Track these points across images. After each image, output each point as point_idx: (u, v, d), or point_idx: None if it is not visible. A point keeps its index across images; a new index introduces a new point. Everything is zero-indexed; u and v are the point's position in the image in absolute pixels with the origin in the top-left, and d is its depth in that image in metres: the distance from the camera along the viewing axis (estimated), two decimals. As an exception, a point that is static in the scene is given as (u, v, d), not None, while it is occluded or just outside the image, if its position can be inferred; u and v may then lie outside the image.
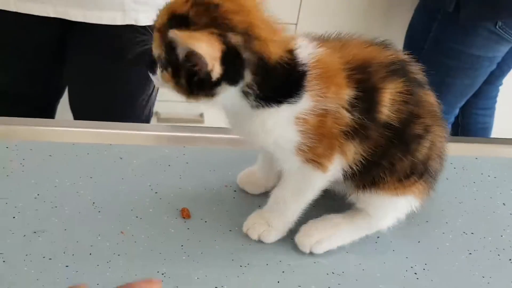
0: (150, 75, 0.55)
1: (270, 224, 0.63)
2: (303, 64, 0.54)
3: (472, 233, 0.68)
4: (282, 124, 0.55)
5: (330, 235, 0.63)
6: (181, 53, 0.51)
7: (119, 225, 0.63)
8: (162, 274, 0.58)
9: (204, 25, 0.50)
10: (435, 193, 0.72)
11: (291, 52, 0.53)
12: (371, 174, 0.59)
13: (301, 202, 0.62)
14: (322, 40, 0.57)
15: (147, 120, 1.17)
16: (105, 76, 1.03)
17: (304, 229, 0.63)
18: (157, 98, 1.97)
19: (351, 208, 0.65)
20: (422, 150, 0.60)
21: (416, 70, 0.59)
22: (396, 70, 0.57)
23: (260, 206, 0.65)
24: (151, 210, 0.66)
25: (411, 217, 0.68)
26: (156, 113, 2.06)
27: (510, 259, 0.65)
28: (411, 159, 0.59)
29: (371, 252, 0.64)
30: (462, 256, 0.65)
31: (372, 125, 0.56)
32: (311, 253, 0.62)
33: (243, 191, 0.70)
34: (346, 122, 0.55)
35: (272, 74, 0.52)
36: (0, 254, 0.58)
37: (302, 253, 0.63)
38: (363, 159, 0.57)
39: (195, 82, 0.52)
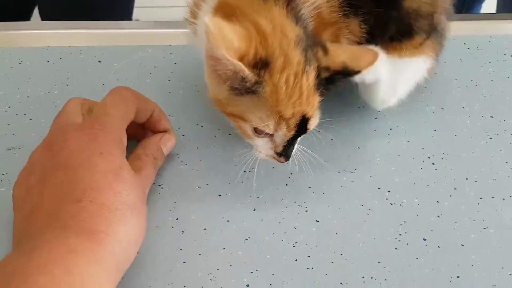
0: None
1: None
2: None
3: (491, 116, 0.62)
4: None
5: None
6: None
7: (105, 135, 0.57)
8: (159, 185, 0.53)
9: None
10: (449, 76, 0.66)
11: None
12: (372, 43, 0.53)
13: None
14: None
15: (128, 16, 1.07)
16: None
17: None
18: (136, 3, 1.84)
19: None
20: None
21: None
22: None
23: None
24: (139, 116, 0.59)
25: (425, 105, 0.63)
26: (137, 20, 1.95)
27: (533, 142, 0.60)
28: (404, 11, 0.53)
29: (383, 145, 0.59)
30: (482, 141, 0.60)
31: None
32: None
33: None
34: (337, 4, 0.49)
35: None
36: (-27, 179, 0.52)
37: (309, 152, 0.57)
38: (366, 33, 0.52)
39: None
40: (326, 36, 0.51)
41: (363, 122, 0.61)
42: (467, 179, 0.56)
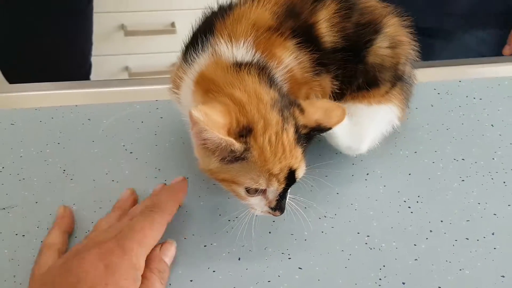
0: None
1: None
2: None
3: (463, 159, 0.66)
4: None
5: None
6: None
7: (95, 191, 0.59)
8: (147, 237, 0.55)
9: None
10: (421, 121, 0.70)
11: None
12: (342, 94, 0.58)
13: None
14: (239, 18, 0.54)
15: (86, 76, 1.14)
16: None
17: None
18: (127, 51, 1.89)
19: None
20: (379, 52, 0.57)
21: None
22: None
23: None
24: (127, 172, 0.62)
25: (399, 149, 0.66)
26: (127, 68, 1.98)
27: (504, 182, 0.63)
28: (369, 65, 0.57)
29: (361, 191, 0.62)
30: (455, 184, 0.63)
31: (325, 56, 0.54)
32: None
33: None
34: (308, 65, 0.53)
35: None
36: (-30, 235, 0.55)
37: (291, 199, 0.60)
38: (338, 85, 0.56)
39: None
40: (301, 95, 0.55)
41: (341, 168, 0.64)
42: (442, 221, 0.59)
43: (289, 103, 0.50)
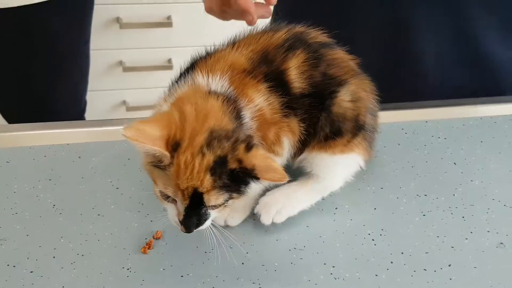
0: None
1: (232, 208, 0.65)
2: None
3: (425, 195, 0.71)
4: None
5: (288, 203, 0.66)
6: None
7: (82, 225, 0.64)
8: (128, 269, 0.60)
9: None
10: (388, 159, 0.75)
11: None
12: (309, 140, 0.63)
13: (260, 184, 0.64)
14: (218, 59, 0.60)
15: (81, 114, 1.20)
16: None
17: (262, 201, 0.66)
18: (124, 86, 1.96)
19: (303, 175, 0.67)
20: (342, 104, 0.62)
21: (316, 34, 0.64)
22: (292, 45, 0.61)
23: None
24: (112, 206, 0.67)
25: (366, 185, 0.71)
26: (124, 102, 2.05)
27: (463, 217, 0.68)
28: (333, 115, 0.62)
29: (329, 224, 0.66)
30: (416, 218, 0.68)
31: (293, 100, 0.60)
32: (273, 223, 0.65)
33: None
34: (278, 107, 0.59)
35: None
36: (-35, 266, 0.59)
37: (263, 232, 0.65)
38: (304, 130, 0.62)
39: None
40: (270, 134, 0.60)
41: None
42: (402, 253, 0.63)
43: (243, 139, 0.54)
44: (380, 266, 0.62)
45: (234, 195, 0.55)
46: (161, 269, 0.60)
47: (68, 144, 0.75)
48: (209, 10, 0.72)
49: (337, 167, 0.66)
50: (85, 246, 0.62)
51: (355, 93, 0.63)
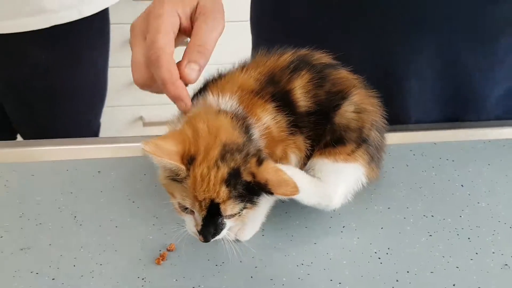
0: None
1: (244, 222, 0.68)
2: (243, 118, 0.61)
3: (432, 215, 0.73)
4: None
5: None
6: None
7: (100, 236, 0.68)
8: (143, 279, 0.63)
9: None
10: (396, 180, 0.77)
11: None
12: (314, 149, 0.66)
13: (271, 199, 0.66)
14: (228, 81, 0.64)
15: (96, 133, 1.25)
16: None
17: None
18: (140, 102, 2.01)
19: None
20: (345, 115, 0.65)
21: (320, 56, 0.68)
22: (297, 66, 0.65)
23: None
24: (129, 219, 0.70)
25: (374, 205, 0.74)
26: (141, 117, 2.10)
27: (468, 238, 0.70)
28: (336, 125, 0.65)
29: (337, 242, 0.69)
30: (423, 238, 0.69)
31: (299, 118, 0.63)
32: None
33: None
34: (284, 125, 0.62)
35: None
36: (-10, 272, 0.63)
37: (272, 248, 0.67)
38: (310, 146, 0.65)
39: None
40: (278, 151, 0.63)
41: (320, 220, 0.71)
42: (408, 272, 0.65)
43: (253, 153, 0.58)
44: (386, 284, 0.64)
45: (248, 205, 0.58)
46: (174, 280, 0.63)
47: (88, 160, 0.79)
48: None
49: (339, 175, 0.67)
50: (103, 256, 0.65)
51: (358, 104, 0.66)
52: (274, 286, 0.63)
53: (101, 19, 1.15)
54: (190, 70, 0.60)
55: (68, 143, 0.82)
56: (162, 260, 0.65)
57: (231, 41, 1.40)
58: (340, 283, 0.64)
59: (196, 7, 0.63)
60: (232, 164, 0.56)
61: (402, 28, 0.79)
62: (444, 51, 0.83)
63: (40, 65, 1.09)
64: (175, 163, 0.56)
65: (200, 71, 0.61)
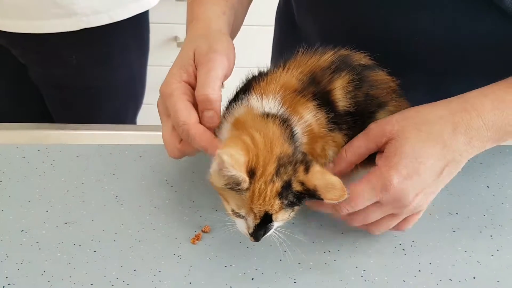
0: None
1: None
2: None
3: (457, 213, 0.75)
4: None
5: None
6: None
7: (140, 215, 0.72)
8: (178, 256, 0.67)
9: None
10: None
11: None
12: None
13: None
14: (273, 81, 0.66)
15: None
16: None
17: None
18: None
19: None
20: None
21: (360, 57, 0.69)
22: (338, 66, 0.67)
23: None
24: (167, 201, 0.74)
25: (400, 201, 0.76)
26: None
27: (491, 235, 0.72)
28: None
29: (364, 232, 0.71)
30: (447, 233, 0.72)
31: (338, 117, 0.65)
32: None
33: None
34: (324, 122, 0.65)
35: None
36: (36, 243, 0.68)
37: (302, 235, 0.70)
38: (347, 141, 0.67)
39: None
40: (317, 147, 0.66)
41: (348, 213, 0.74)
42: (430, 263, 0.68)
43: (300, 160, 0.61)
44: (408, 273, 0.66)
45: (296, 208, 0.62)
46: (207, 259, 0.67)
47: (131, 145, 0.84)
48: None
49: None
50: (142, 233, 0.69)
51: (395, 111, 0.69)
52: (302, 269, 0.67)
53: (135, 22, 1.16)
54: (208, 119, 0.65)
55: (113, 128, 0.87)
56: (197, 240, 0.69)
57: (252, 45, 1.42)
58: (364, 270, 0.67)
59: (194, 59, 0.67)
60: (285, 178, 0.59)
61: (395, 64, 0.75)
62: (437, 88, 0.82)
63: (72, 65, 1.12)
64: (245, 177, 0.58)
65: (216, 112, 0.65)
